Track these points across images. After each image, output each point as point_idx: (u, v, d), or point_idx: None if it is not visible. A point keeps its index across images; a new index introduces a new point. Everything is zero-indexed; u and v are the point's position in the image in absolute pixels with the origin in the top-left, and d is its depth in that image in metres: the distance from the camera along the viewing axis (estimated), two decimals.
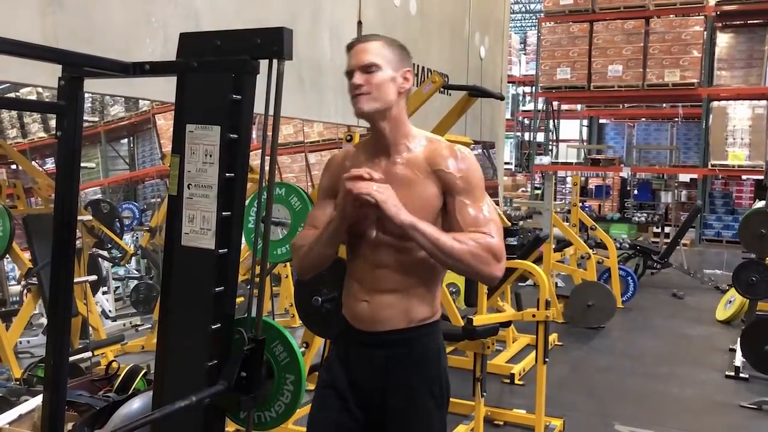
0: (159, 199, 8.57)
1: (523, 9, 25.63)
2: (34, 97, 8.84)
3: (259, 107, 1.96)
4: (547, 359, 3.65)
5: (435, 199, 1.78)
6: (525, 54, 19.26)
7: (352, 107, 1.81)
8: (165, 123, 10.32)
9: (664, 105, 16.24)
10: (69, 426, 2.91)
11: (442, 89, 3.98)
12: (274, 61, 1.88)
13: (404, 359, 1.85)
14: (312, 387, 2.10)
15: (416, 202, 1.76)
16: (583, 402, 4.48)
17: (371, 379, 1.87)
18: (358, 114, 1.81)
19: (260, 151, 1.97)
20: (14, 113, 11.31)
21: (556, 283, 7.12)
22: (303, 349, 3.53)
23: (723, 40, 12.32)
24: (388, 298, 1.82)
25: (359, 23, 5.99)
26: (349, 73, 1.80)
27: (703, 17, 11.86)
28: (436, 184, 1.78)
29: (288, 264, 5.79)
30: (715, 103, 12.45)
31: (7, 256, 4.60)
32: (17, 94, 9.27)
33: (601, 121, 18.48)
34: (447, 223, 1.80)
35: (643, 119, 17.72)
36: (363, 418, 1.89)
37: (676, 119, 16.26)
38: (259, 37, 1.86)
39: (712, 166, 12.20)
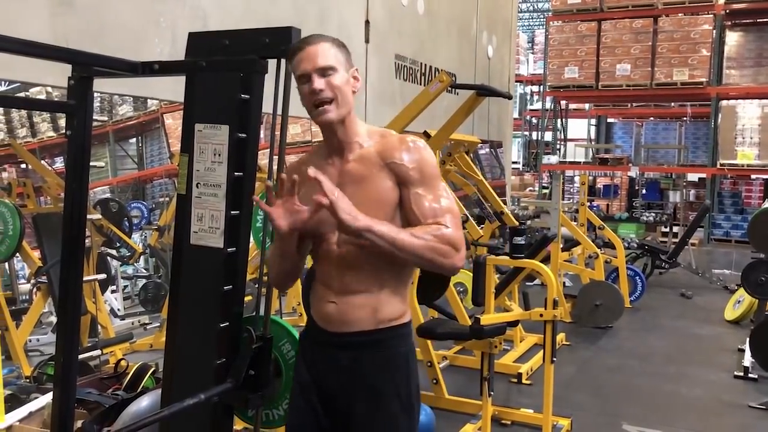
0: (167, 198, 8.60)
1: (531, 8, 25.55)
2: (43, 97, 8.89)
3: (266, 106, 1.97)
4: (554, 359, 3.64)
5: (390, 193, 1.74)
6: (533, 53, 19.21)
7: (313, 115, 1.74)
8: (173, 122, 10.35)
9: (673, 104, 16.17)
10: (78, 423, 2.93)
11: (449, 88, 3.98)
12: (282, 61, 1.89)
13: (371, 362, 1.80)
14: None
15: (371, 197, 1.72)
16: (590, 402, 4.47)
17: (337, 382, 1.82)
18: (323, 123, 1.74)
19: (267, 150, 1.98)
20: (24, 113, 11.36)
21: (564, 282, 7.11)
22: None
23: (732, 38, 12.25)
24: (356, 298, 1.78)
25: (367, 23, 6.00)
26: (303, 77, 1.71)
27: (712, 16, 11.80)
28: (390, 177, 1.74)
29: None
30: (724, 102, 12.38)
31: (18, 254, 4.62)
32: (27, 93, 9.32)
33: (609, 120, 18.41)
34: (404, 215, 1.75)
35: (652, 118, 17.64)
36: (329, 425, 1.84)
37: (685, 118, 16.20)
38: (268, 36, 1.87)
39: (721, 165, 12.14)
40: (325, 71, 1.70)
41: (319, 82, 1.69)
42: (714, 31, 11.84)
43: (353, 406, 1.80)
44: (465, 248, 1.74)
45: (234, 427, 2.11)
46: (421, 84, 6.96)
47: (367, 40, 6.04)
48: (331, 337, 1.81)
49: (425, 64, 7.19)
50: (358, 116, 1.82)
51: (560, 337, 5.63)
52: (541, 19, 24.44)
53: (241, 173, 1.93)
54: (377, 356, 1.80)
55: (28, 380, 4.03)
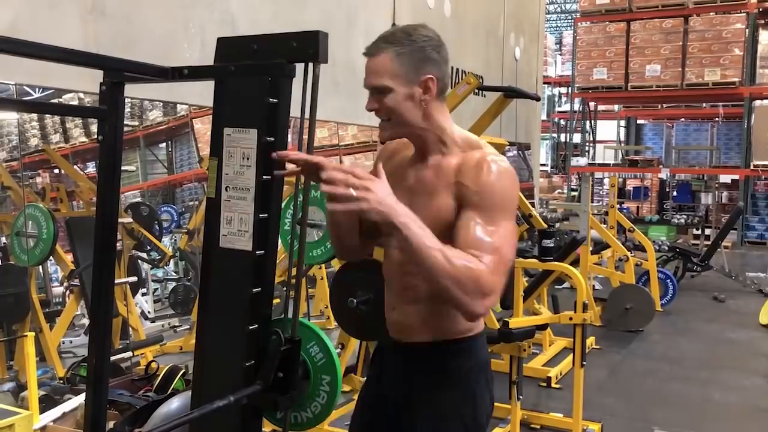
0: (196, 202, 8.70)
1: (559, 9, 25.38)
2: (75, 103, 9.03)
3: (294, 110, 1.98)
4: (584, 362, 3.61)
5: (448, 213, 1.58)
6: (560, 54, 19.08)
7: None
8: (202, 127, 10.45)
9: (704, 105, 15.92)
10: (110, 424, 2.97)
11: (476, 90, 3.97)
12: (310, 65, 1.90)
13: (428, 376, 1.70)
14: (348, 388, 2.10)
15: (431, 211, 1.59)
16: (621, 406, 4.42)
17: (396, 390, 1.76)
18: (380, 140, 1.70)
19: None
20: (57, 118, 11.56)
21: (594, 285, 7.03)
22: (338, 350, 3.54)
23: (766, 37, 12.02)
24: (412, 307, 1.69)
25: (393, 26, 6.00)
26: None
27: (744, 14, 11.60)
28: (454, 195, 1.59)
29: (323, 266, 5.82)
30: (757, 102, 12.17)
31: (51, 257, 4.71)
32: (59, 100, 9.48)
33: (638, 121, 18.18)
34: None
35: (683, 119, 17.39)
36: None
37: (717, 119, 15.94)
38: (295, 40, 1.87)
39: (755, 166, 11.92)
40: (377, 90, 1.60)
41: (371, 103, 1.63)
42: (747, 30, 11.63)
43: (408, 420, 1.72)
44: (496, 297, 1.50)
45: (262, 429, 2.12)
46: (448, 86, 6.95)
47: None
48: (395, 344, 1.77)
49: (452, 67, 7.17)
50: (445, 118, 1.68)
51: (590, 340, 5.57)
52: (569, 20, 24.27)
53: (270, 177, 1.94)
54: (435, 371, 1.69)
55: (61, 381, 4.09)
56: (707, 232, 11.35)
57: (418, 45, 1.59)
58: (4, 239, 5.27)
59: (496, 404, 3.95)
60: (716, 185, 13.27)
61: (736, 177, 13.38)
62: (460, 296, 1.44)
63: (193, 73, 2.00)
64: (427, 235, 1.44)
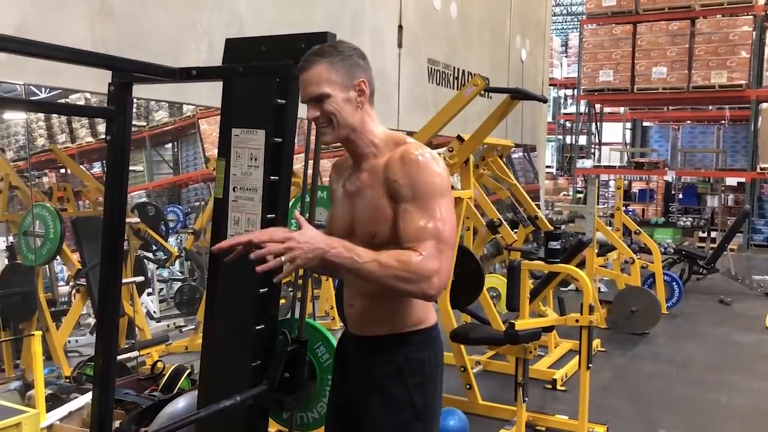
0: (202, 203, 8.71)
1: (564, 11, 25.36)
2: (82, 103, 9.06)
3: (301, 111, 1.99)
4: (590, 365, 3.60)
5: (385, 208, 1.71)
6: (566, 56, 19.06)
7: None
8: (208, 128, 10.47)
9: (711, 107, 15.87)
10: (116, 423, 2.97)
11: (482, 92, 3.97)
12: None
13: (384, 366, 1.79)
14: None
15: (368, 210, 1.73)
16: (627, 409, 4.40)
17: (356, 384, 1.85)
18: (323, 143, 1.82)
19: (300, 155, 1.99)
20: (63, 119, 11.60)
21: (599, 288, 7.02)
22: None
23: None
24: (368, 302, 1.79)
25: (400, 27, 6.01)
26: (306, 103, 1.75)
27: (752, 17, 11.56)
28: (386, 192, 1.71)
29: None
30: (764, 105, 12.12)
31: (58, 257, 4.72)
32: (66, 100, 9.50)
33: (644, 123, 18.12)
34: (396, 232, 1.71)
35: (689, 122, 17.33)
36: (349, 426, 1.87)
37: (723, 121, 15.89)
38: (304, 42, 1.88)
39: (761, 169, 11.88)
40: (317, 99, 1.69)
41: (312, 112, 1.71)
42: (754, 33, 11.60)
43: (367, 409, 1.81)
44: (443, 277, 1.64)
45: (268, 429, 2.12)
46: (453, 88, 6.94)
47: (400, 45, 6.05)
48: (353, 339, 1.87)
49: (458, 68, 7.17)
50: (374, 122, 1.79)
51: (595, 343, 5.55)
52: (575, 22, 24.24)
53: (277, 177, 1.95)
54: (391, 362, 1.79)
55: (67, 380, 4.10)
56: (713, 234, 11.31)
57: (347, 54, 1.73)
58: (11, 238, 5.29)
59: (502, 406, 3.90)
60: (722, 188, 13.23)
61: (743, 180, 13.33)
62: (405, 288, 1.62)
63: (202, 74, 2.01)
64: (357, 252, 1.60)
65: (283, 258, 1.54)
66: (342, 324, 3.28)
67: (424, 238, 1.63)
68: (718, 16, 11.78)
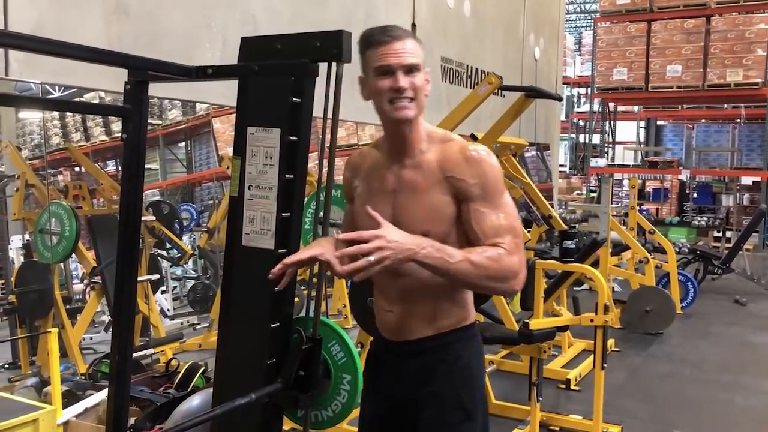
0: (216, 201, 8.74)
1: (578, 9, 25.22)
2: (97, 102, 9.12)
3: (316, 110, 1.99)
4: (605, 365, 3.58)
5: (447, 207, 1.67)
6: (580, 55, 18.96)
7: (388, 111, 1.66)
8: (221, 126, 10.52)
9: (726, 106, 15.73)
10: (131, 420, 2.99)
11: (496, 90, 3.96)
12: (333, 64, 1.90)
13: (433, 368, 1.77)
14: None
15: (426, 209, 1.68)
16: (641, 409, 4.38)
17: (402, 391, 1.82)
18: (401, 119, 1.66)
19: (315, 153, 1.99)
20: (78, 118, 11.69)
21: (613, 287, 6.98)
22: (358, 349, 3.54)
23: None
24: (412, 307, 1.76)
25: (413, 25, 6.00)
26: (383, 70, 1.64)
27: None
28: (449, 191, 1.67)
29: None
30: None
31: (73, 255, 4.76)
32: (81, 99, 9.56)
33: (659, 122, 17.98)
34: (464, 231, 1.69)
35: (703, 120, 17.19)
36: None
37: (738, 120, 15.74)
38: (319, 40, 1.88)
39: None
40: (410, 69, 1.64)
41: (404, 80, 1.63)
42: None
43: (419, 414, 1.78)
44: (525, 270, 1.66)
45: (283, 428, 2.12)
46: (467, 86, 6.92)
47: None
48: (392, 346, 1.83)
49: (471, 67, 7.15)
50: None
51: (609, 343, 5.53)
52: (588, 20, 24.12)
53: (292, 176, 1.95)
54: (439, 362, 1.77)
55: (83, 377, 4.14)
56: (728, 234, 11.22)
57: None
58: (28, 236, 5.33)
59: (516, 405, 3.90)
60: (737, 187, 13.11)
61: (758, 179, 13.20)
62: (497, 286, 1.64)
63: (217, 73, 2.01)
64: (448, 252, 1.57)
65: (372, 258, 1.48)
66: (355, 323, 3.27)
67: (502, 234, 1.64)
68: (733, 13, 11.68)
